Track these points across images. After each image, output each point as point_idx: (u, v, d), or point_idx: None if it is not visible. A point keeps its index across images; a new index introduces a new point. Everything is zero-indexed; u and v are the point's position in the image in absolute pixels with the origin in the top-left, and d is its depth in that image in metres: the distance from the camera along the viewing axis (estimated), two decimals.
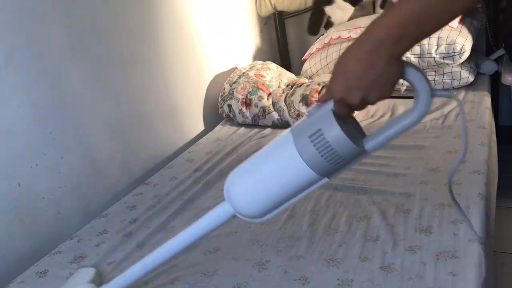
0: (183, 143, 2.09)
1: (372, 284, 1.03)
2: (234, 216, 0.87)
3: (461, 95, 2.06)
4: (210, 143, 2.03)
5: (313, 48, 2.40)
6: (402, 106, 2.06)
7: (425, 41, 2.03)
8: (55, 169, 1.48)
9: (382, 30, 0.65)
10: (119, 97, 1.74)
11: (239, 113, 2.14)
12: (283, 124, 2.06)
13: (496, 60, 2.24)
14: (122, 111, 1.76)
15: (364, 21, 2.24)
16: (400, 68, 0.68)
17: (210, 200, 1.53)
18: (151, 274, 1.14)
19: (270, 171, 0.78)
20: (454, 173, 0.80)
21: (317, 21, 2.47)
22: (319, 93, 2.00)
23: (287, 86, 2.19)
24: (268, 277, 1.11)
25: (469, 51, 2.00)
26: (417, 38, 0.66)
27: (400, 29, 0.64)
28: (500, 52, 2.23)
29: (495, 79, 2.25)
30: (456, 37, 1.99)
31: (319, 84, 2.04)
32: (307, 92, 2.02)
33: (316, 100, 1.91)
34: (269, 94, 2.14)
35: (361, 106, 0.70)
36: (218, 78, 2.35)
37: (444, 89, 2.11)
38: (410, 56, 2.06)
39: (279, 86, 2.21)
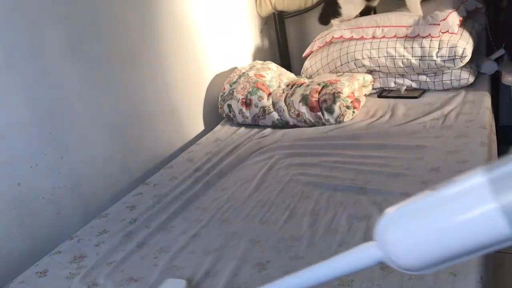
0: (183, 143, 2.09)
1: (372, 284, 1.03)
2: (380, 263, 0.61)
3: (461, 95, 2.06)
4: (210, 143, 2.03)
5: (314, 45, 2.39)
6: (402, 106, 2.05)
7: (426, 43, 2.03)
8: (55, 169, 1.48)
9: None
10: (119, 97, 1.74)
11: (239, 113, 2.14)
12: (283, 124, 2.06)
13: (496, 60, 2.24)
14: (122, 111, 1.76)
15: (367, 22, 2.23)
16: None
17: (210, 200, 1.53)
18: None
19: (454, 223, 0.50)
20: None
21: (330, 13, 2.43)
22: (319, 93, 2.00)
23: (287, 86, 2.19)
24: (268, 277, 1.11)
25: (470, 55, 1.99)
26: None
27: None
28: (500, 52, 2.23)
29: (495, 79, 2.25)
30: (458, 41, 1.99)
31: (319, 84, 2.04)
32: (307, 92, 2.01)
33: None
34: (269, 94, 2.14)
35: None
36: (218, 78, 2.35)
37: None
38: (411, 58, 2.06)
39: (279, 86, 2.21)
